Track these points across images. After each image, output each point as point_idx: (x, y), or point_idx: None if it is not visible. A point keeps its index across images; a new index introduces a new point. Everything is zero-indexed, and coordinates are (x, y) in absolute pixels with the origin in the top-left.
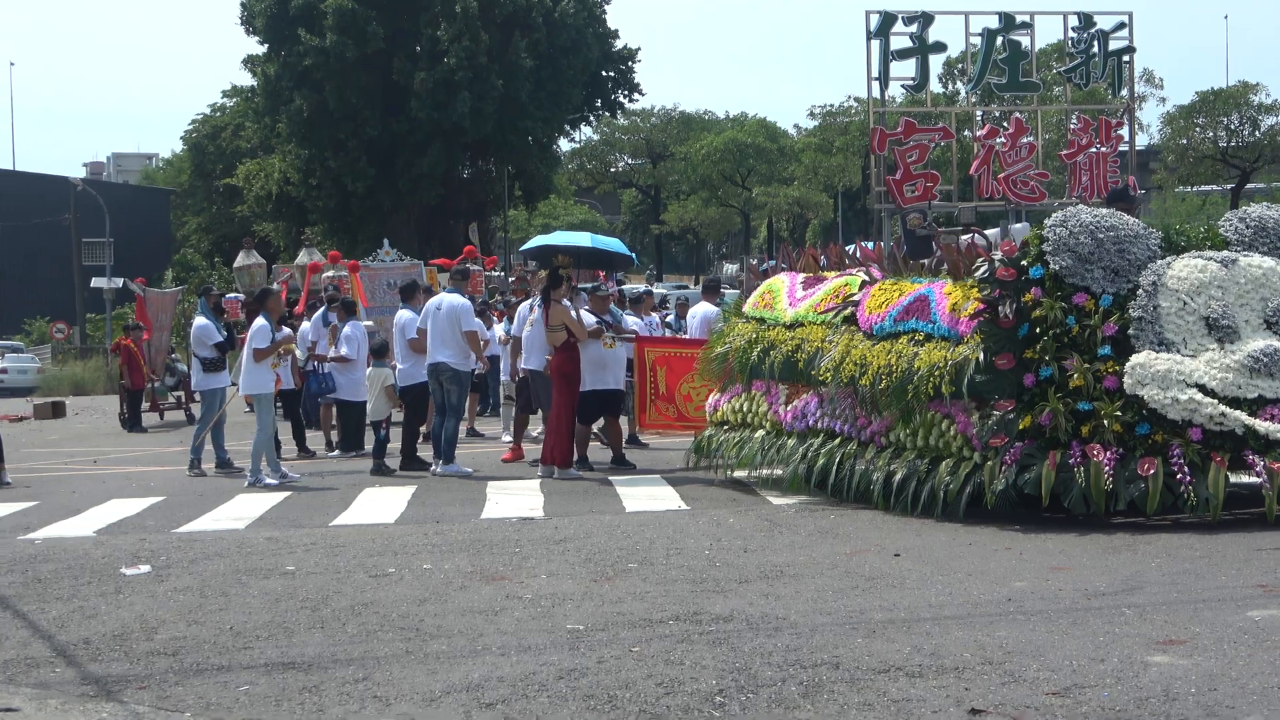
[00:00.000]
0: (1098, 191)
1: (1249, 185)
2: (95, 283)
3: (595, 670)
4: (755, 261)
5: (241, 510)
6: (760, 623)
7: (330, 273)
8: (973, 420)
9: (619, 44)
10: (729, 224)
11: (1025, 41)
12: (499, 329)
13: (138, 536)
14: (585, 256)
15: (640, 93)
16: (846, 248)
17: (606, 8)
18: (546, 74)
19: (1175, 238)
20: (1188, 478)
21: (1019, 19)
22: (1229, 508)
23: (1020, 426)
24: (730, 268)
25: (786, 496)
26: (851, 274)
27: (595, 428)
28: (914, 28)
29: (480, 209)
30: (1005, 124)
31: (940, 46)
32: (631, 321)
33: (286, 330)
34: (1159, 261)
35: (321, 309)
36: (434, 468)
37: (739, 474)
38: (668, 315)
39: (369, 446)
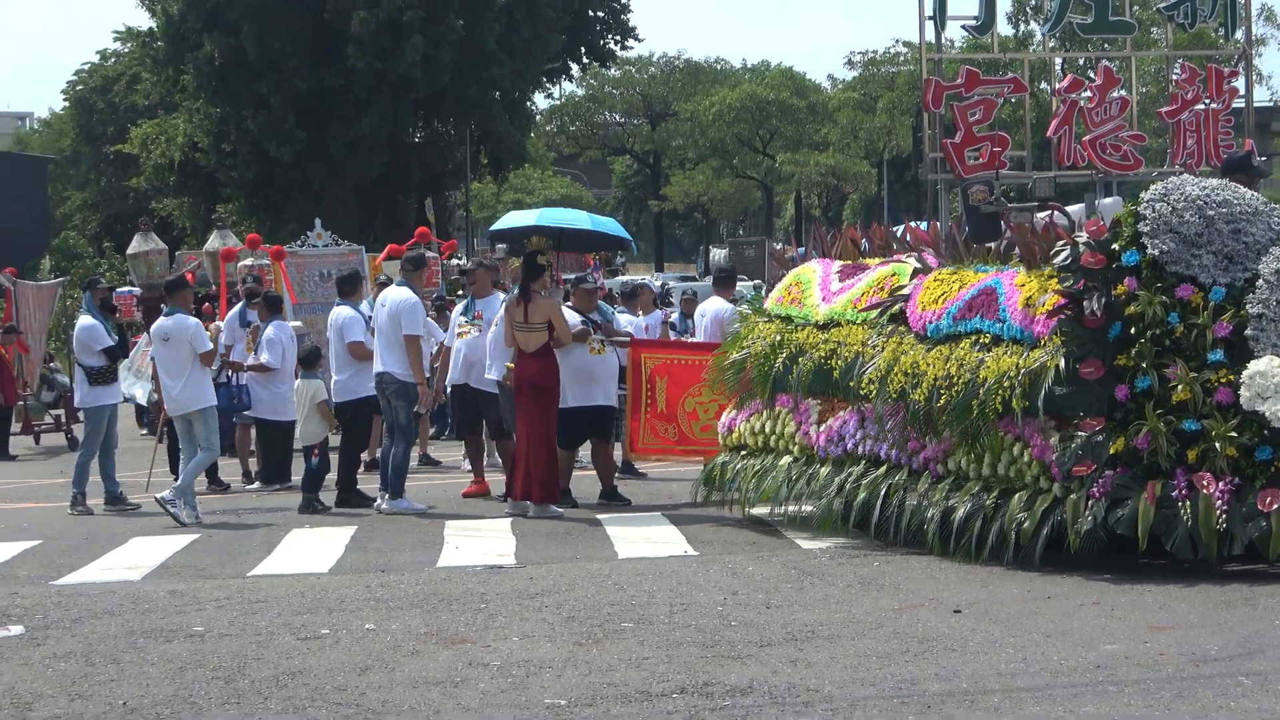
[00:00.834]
0: (1207, 158)
1: None
2: None
3: None
4: (780, 247)
5: (137, 557)
6: (786, 696)
7: (249, 261)
8: (1051, 443)
9: None
10: (746, 199)
11: None
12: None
13: (7, 590)
14: (572, 239)
15: (636, 37)
16: (893, 229)
17: None
18: (519, 13)
19: None
20: None
21: None
22: None
23: (1111, 451)
24: (719, 253)
25: (819, 538)
26: (900, 261)
27: (580, 454)
28: None
29: (436, 181)
30: (1091, 74)
31: None
32: (625, 321)
33: (218, 323)
34: None
35: (238, 306)
36: (379, 503)
37: (759, 511)
38: (671, 313)
39: (297, 478)
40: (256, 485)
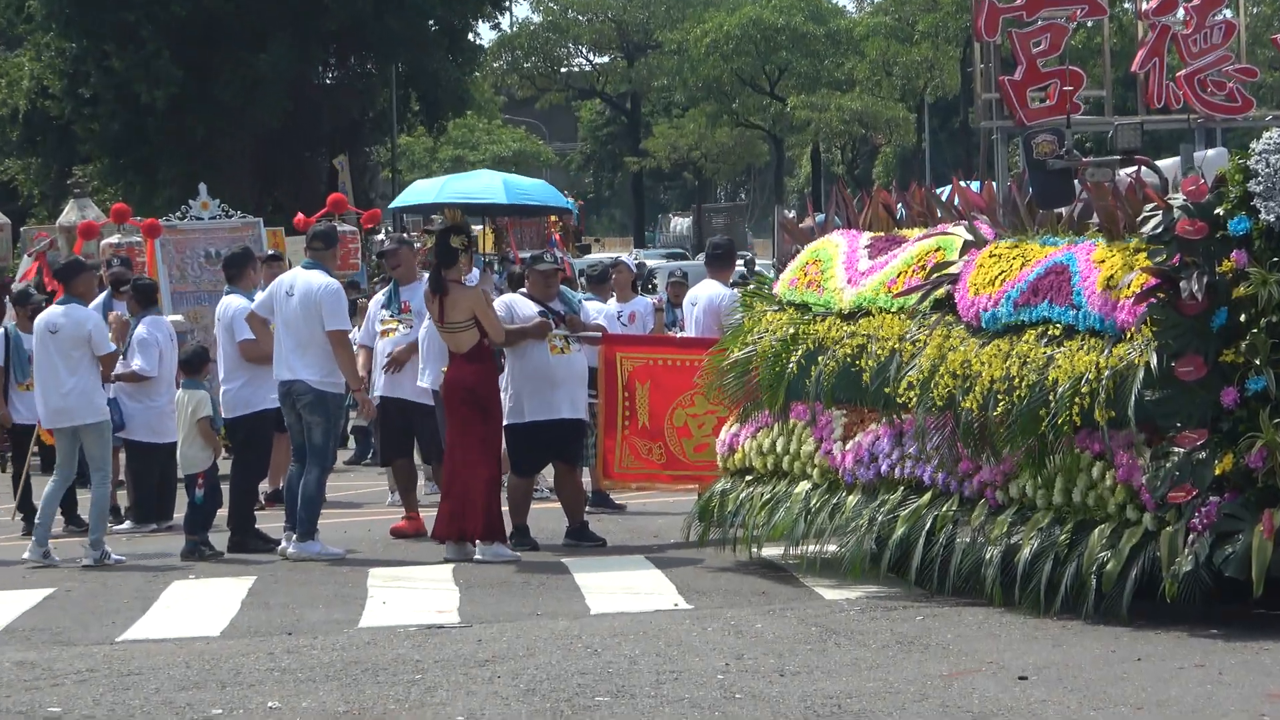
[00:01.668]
0: None
1: None
2: None
3: None
4: (792, 215)
5: None
6: None
7: (115, 239)
8: (1141, 463)
9: None
10: (750, 154)
11: None
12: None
13: None
14: (497, 213)
15: None
16: (937, 190)
17: None
18: None
19: None
20: None
21: None
22: None
23: (1216, 471)
24: (680, 223)
25: (846, 586)
26: (946, 232)
27: (540, 484)
28: None
29: (353, 135)
30: None
31: None
32: (594, 310)
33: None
34: None
35: (100, 296)
36: (285, 546)
37: (770, 552)
38: (657, 299)
39: (179, 515)
40: (127, 525)
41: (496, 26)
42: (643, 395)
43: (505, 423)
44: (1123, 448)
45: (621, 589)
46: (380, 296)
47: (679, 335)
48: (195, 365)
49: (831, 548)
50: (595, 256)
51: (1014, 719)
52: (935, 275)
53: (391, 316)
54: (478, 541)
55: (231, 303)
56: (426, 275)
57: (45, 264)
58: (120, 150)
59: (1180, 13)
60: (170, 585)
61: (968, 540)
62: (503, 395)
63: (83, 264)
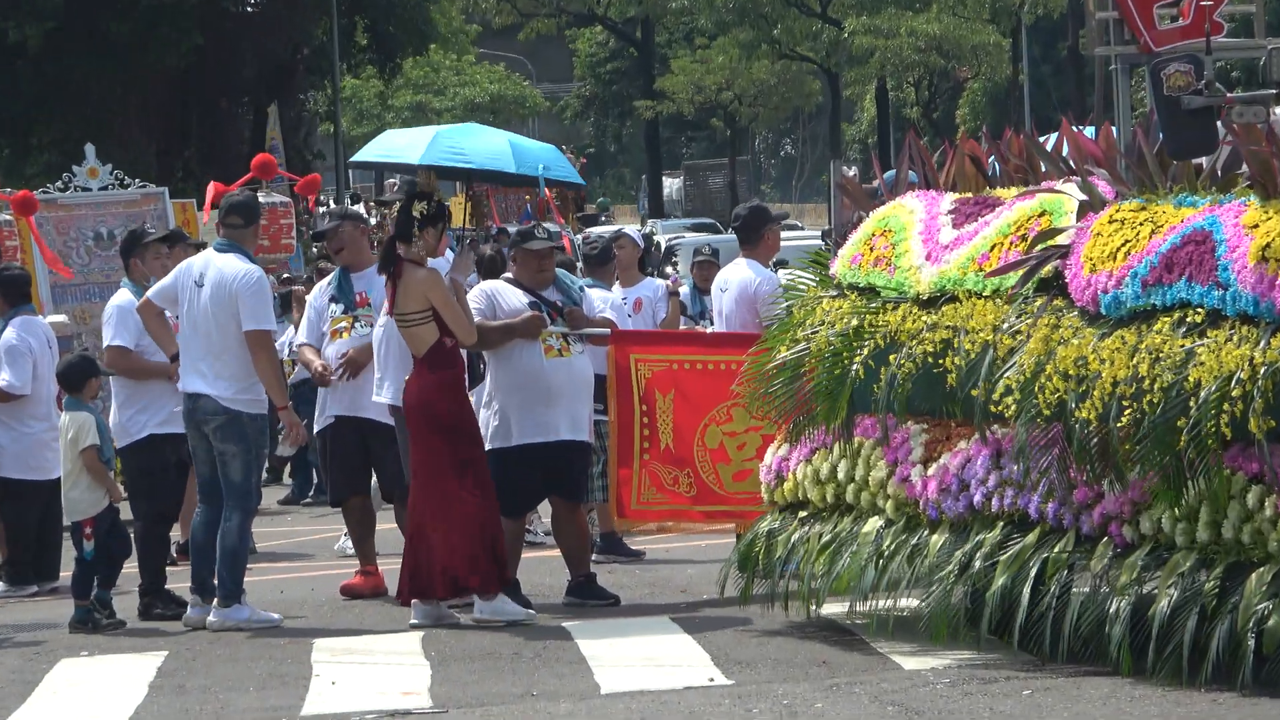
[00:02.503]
0: None
1: None
2: None
3: None
4: (852, 172)
5: None
6: None
7: None
8: None
9: None
10: (797, 94)
11: None
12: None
13: None
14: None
15: None
16: (1040, 138)
17: None
18: None
19: None
20: None
21: None
22: None
23: None
24: (671, 184)
25: (931, 652)
26: (1053, 191)
27: (534, 525)
28: None
29: (283, 79)
30: None
31: None
32: (598, 300)
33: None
34: None
35: None
36: (192, 614)
37: (832, 609)
38: (679, 281)
39: (67, 574)
40: (0, 588)
41: None
42: (666, 409)
43: (488, 447)
44: None
45: (641, 660)
46: (326, 285)
47: (708, 330)
48: (76, 380)
49: (911, 602)
50: (599, 231)
51: None
52: (1040, 248)
53: (344, 312)
54: (475, 597)
55: (118, 298)
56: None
57: None
58: None
59: None
60: (57, 665)
61: (1087, 590)
62: (483, 412)
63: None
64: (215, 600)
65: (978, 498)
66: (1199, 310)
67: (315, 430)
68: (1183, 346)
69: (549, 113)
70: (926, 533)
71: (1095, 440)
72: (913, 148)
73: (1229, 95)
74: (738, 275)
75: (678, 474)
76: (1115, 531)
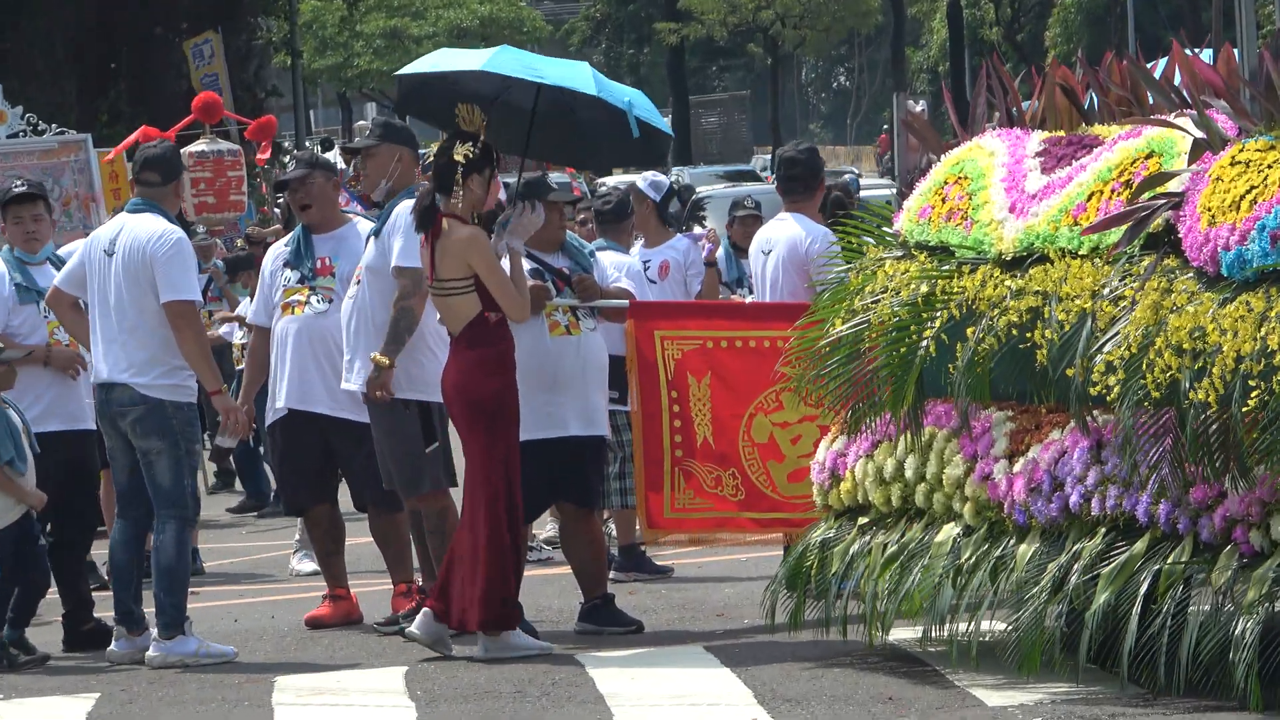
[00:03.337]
0: None
1: None
2: None
3: None
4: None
5: None
6: None
7: None
8: None
9: None
10: (852, 13)
11: None
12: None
13: None
14: (553, 130)
15: None
16: (1148, 65)
17: None
18: None
19: None
20: None
21: None
22: None
23: None
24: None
25: (1019, 685)
26: (1165, 125)
27: (537, 534)
28: None
29: (228, 2)
30: None
31: None
32: (614, 266)
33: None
34: None
35: None
36: (118, 648)
37: (901, 635)
38: (706, 233)
39: None
40: None
41: None
42: (701, 396)
43: None
44: None
45: (669, 698)
46: (281, 249)
47: (747, 300)
48: None
49: (995, 625)
50: (617, 180)
51: None
52: (1147, 196)
53: (300, 282)
54: (479, 634)
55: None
56: (358, 219)
57: None
58: None
59: None
60: None
61: (1208, 609)
62: None
63: None
64: (157, 628)
65: (1074, 499)
66: None
67: (266, 424)
68: None
69: (552, 39)
70: (1013, 541)
71: (1215, 427)
72: (993, 76)
73: None
74: (785, 233)
75: (720, 474)
76: (1241, 537)
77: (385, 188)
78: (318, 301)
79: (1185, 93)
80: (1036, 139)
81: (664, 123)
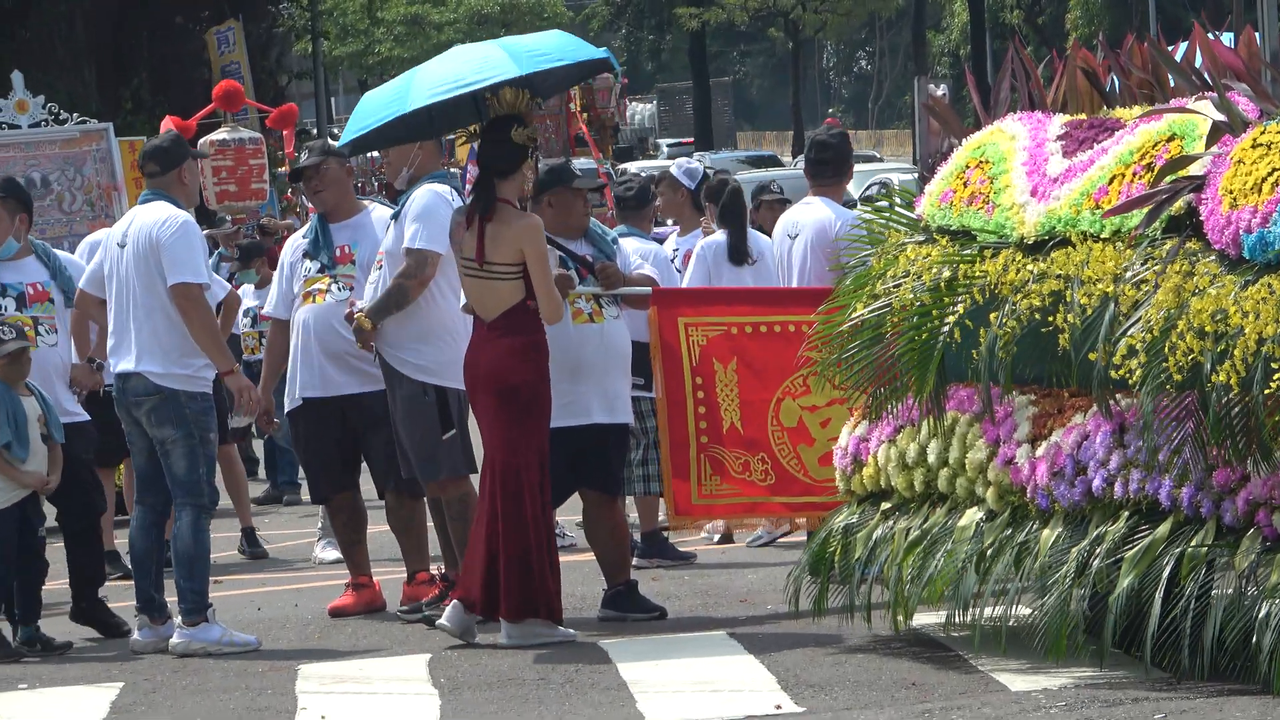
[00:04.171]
0: None
1: None
2: None
3: None
4: (941, 92)
5: None
6: None
7: None
8: None
9: None
10: None
11: None
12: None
13: None
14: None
15: None
16: (1169, 48)
17: None
18: None
19: None
20: None
21: None
22: None
23: None
24: (641, 109)
25: (1044, 670)
26: (1185, 111)
27: (562, 521)
28: None
29: None
30: None
31: None
32: (637, 253)
33: None
34: None
35: None
36: (140, 637)
37: (924, 619)
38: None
39: None
40: None
41: None
42: (728, 382)
43: None
44: None
45: (693, 685)
46: (299, 240)
47: (769, 287)
48: None
49: (1021, 610)
50: (645, 164)
51: None
52: (1169, 179)
53: (321, 271)
54: (502, 621)
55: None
56: (375, 205)
57: None
58: None
59: None
60: None
61: (1231, 593)
62: None
63: None
64: (181, 614)
65: (1097, 483)
66: None
67: (286, 412)
68: None
69: (572, 23)
70: (1036, 526)
71: (1237, 410)
72: (1015, 60)
73: None
74: (812, 216)
75: (749, 459)
76: (1264, 520)
77: (407, 175)
78: (339, 289)
79: (1206, 75)
80: (1058, 122)
81: (592, 49)
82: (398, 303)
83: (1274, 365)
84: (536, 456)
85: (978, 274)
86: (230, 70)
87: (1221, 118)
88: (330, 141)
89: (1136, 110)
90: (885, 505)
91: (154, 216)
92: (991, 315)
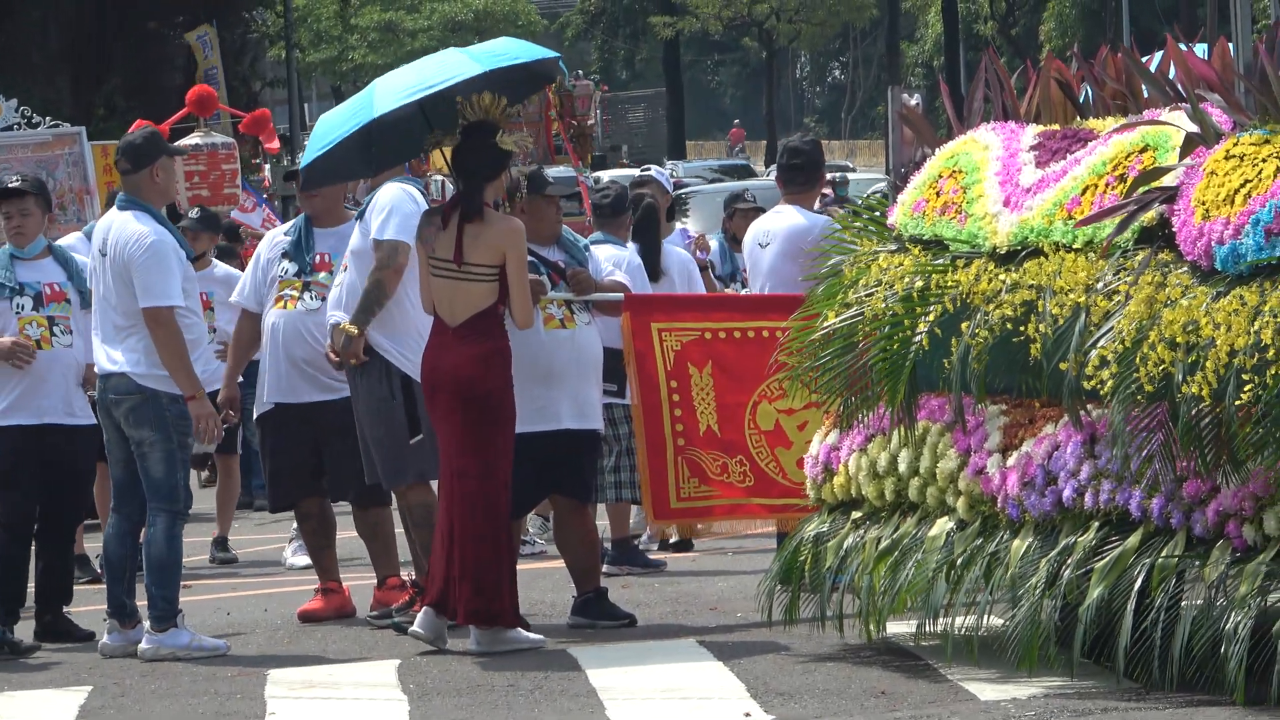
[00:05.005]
0: None
1: None
2: None
3: None
4: (915, 101)
5: None
6: None
7: None
8: None
9: None
10: (847, 9)
11: None
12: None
13: None
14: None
15: None
16: (1144, 58)
17: None
18: None
19: None
20: None
21: None
22: None
23: None
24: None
25: (1013, 680)
26: (1157, 123)
27: (531, 527)
28: None
29: None
30: None
31: None
32: (609, 260)
33: None
34: None
35: None
36: (108, 640)
37: (895, 629)
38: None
39: None
40: None
41: None
42: (704, 385)
43: None
44: None
45: (661, 692)
46: (279, 237)
47: (743, 293)
48: None
49: (994, 620)
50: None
51: None
52: (1142, 190)
53: (297, 275)
54: (471, 627)
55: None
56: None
57: None
58: None
59: None
60: None
61: (1199, 604)
62: None
63: None
64: (148, 620)
65: (1068, 493)
66: None
67: (255, 417)
68: None
69: (546, 32)
70: (1006, 536)
71: (1208, 421)
72: (989, 70)
73: None
74: (784, 223)
75: (727, 461)
76: (1234, 532)
77: (365, 185)
78: (310, 299)
79: (1180, 87)
80: (1031, 133)
81: (533, 50)
82: (377, 299)
83: (1245, 377)
84: (501, 462)
85: (950, 283)
86: (212, 75)
87: (1195, 129)
88: None
89: (1110, 121)
90: (856, 514)
91: (127, 234)
92: (963, 325)
